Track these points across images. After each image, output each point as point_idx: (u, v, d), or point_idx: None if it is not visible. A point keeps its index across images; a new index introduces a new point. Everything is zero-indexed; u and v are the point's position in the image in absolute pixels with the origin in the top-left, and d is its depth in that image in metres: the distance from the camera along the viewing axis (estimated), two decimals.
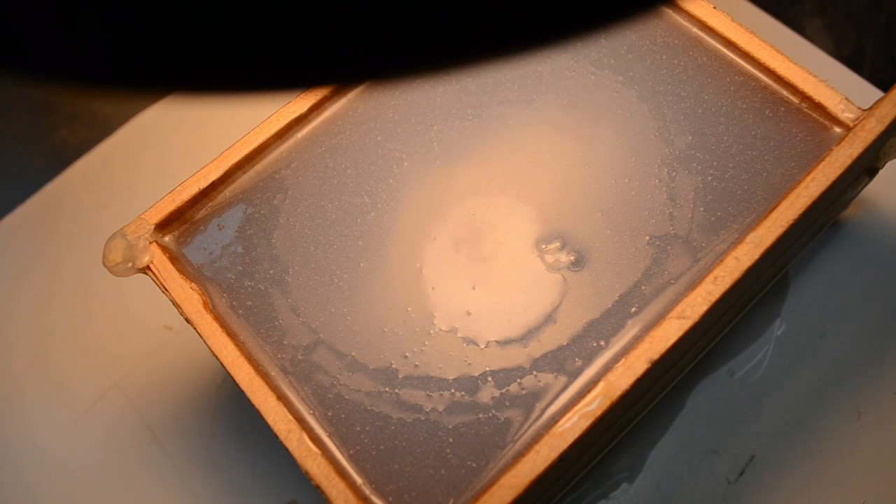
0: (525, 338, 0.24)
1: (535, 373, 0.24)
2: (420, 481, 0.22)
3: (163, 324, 0.35)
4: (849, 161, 0.25)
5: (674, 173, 0.26)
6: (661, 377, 0.26)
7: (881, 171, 0.30)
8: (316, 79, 0.09)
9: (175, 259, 0.26)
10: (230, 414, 0.33)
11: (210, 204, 0.27)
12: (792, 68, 0.27)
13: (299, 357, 0.24)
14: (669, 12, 0.29)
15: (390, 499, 0.22)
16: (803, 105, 0.27)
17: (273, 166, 0.28)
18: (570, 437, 0.22)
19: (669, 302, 0.24)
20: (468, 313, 0.25)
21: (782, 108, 0.27)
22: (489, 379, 0.24)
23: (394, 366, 0.24)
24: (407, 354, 0.24)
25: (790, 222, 0.24)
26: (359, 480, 0.22)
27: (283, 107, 0.29)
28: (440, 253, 0.26)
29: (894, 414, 0.30)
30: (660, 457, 0.30)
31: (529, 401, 0.23)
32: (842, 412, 0.30)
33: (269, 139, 0.28)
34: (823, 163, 0.25)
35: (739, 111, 0.27)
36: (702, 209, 0.26)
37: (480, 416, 0.23)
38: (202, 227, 0.27)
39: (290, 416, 0.23)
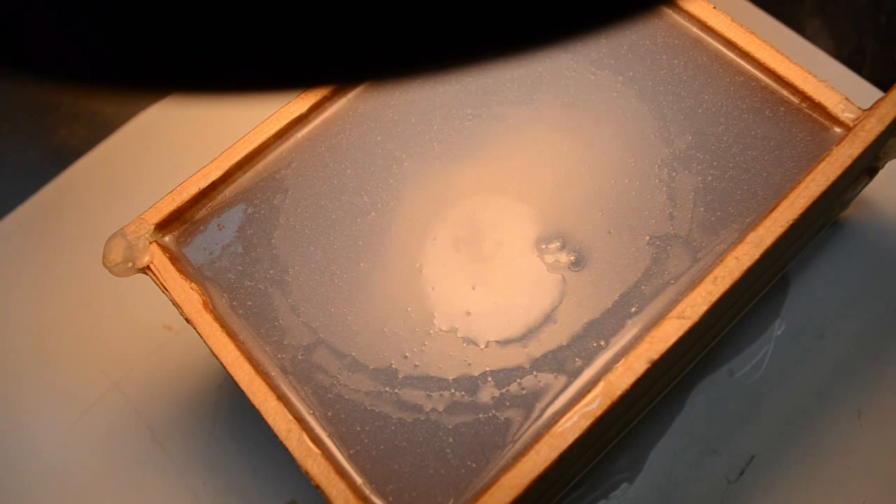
0: (525, 338, 0.24)
1: (535, 373, 0.24)
2: (420, 481, 0.22)
3: (163, 324, 0.35)
4: (849, 161, 0.25)
5: (674, 173, 0.26)
6: (661, 377, 0.26)
7: (881, 171, 0.30)
8: (316, 79, 0.09)
9: (175, 259, 0.26)
10: (230, 414, 0.33)
11: (210, 204, 0.27)
12: (792, 68, 0.27)
13: (299, 357, 0.24)
14: (669, 12, 0.29)
15: (390, 499, 0.22)
16: (803, 105, 0.27)
17: (273, 166, 0.28)
18: (570, 437, 0.22)
19: (669, 302, 0.24)
20: (468, 313, 0.25)
21: (782, 108, 0.27)
22: (489, 379, 0.24)
23: (394, 366, 0.24)
24: (407, 354, 0.24)
25: (790, 222, 0.24)
26: (359, 480, 0.22)
27: (283, 107, 0.29)
28: (440, 253, 0.26)
29: (894, 414, 0.30)
30: (660, 457, 0.30)
31: (529, 401, 0.23)
32: (842, 412, 0.30)
33: (269, 139, 0.28)
34: (823, 163, 0.25)
35: (739, 111, 0.27)
36: (702, 209, 0.26)
37: (480, 416, 0.23)
38: (202, 227, 0.27)
39: (290, 416, 0.23)
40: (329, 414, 0.23)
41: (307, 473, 0.22)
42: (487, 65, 0.09)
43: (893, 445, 0.29)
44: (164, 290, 0.25)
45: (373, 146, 0.28)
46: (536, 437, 0.22)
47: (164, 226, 0.27)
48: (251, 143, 0.28)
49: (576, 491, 0.29)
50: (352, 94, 0.29)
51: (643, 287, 0.25)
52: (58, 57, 0.08)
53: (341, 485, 0.22)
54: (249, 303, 0.26)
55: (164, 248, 0.26)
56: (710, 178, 0.26)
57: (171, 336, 0.34)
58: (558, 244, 0.26)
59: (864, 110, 0.26)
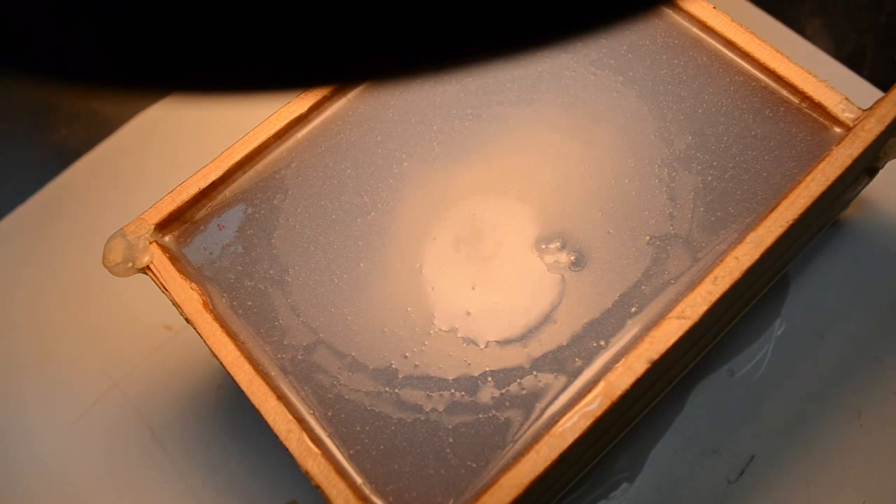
0: (525, 338, 0.24)
1: (535, 373, 0.24)
2: (420, 481, 0.22)
3: (163, 324, 0.35)
4: (849, 161, 0.25)
5: (674, 173, 0.26)
6: (661, 377, 0.26)
7: (881, 171, 0.30)
8: (316, 79, 0.09)
9: (175, 259, 0.26)
10: (230, 414, 0.33)
11: (210, 204, 0.27)
12: (792, 68, 0.27)
13: (299, 357, 0.24)
14: (669, 12, 0.29)
15: (390, 499, 0.22)
16: (803, 105, 0.27)
17: (273, 166, 0.28)
18: (570, 437, 0.22)
19: (669, 302, 0.24)
20: (468, 313, 0.25)
21: (782, 108, 0.27)
22: (489, 379, 0.24)
23: (394, 366, 0.24)
24: (407, 354, 0.24)
25: (790, 222, 0.24)
26: (359, 480, 0.22)
27: (283, 107, 0.29)
28: (440, 253, 0.26)
29: (894, 414, 0.30)
30: (660, 457, 0.30)
31: (529, 401, 0.23)
32: (842, 412, 0.30)
33: (269, 139, 0.28)
34: (823, 163, 0.25)
35: (739, 111, 0.27)
36: (702, 209, 0.26)
37: (480, 416, 0.23)
38: (202, 227, 0.27)
39: (290, 416, 0.23)
40: (329, 414, 0.23)
41: (307, 473, 0.22)
42: (487, 65, 0.09)
43: (893, 445, 0.29)
44: (164, 290, 0.25)
45: (373, 146, 0.28)
46: (536, 437, 0.22)
47: (164, 226, 0.27)
48: (251, 143, 0.28)
49: (576, 491, 0.29)
50: (352, 94, 0.29)
51: (643, 287, 0.25)
52: (58, 57, 0.08)
53: (341, 485, 0.22)
54: (249, 303, 0.26)
55: (164, 248, 0.26)
56: (710, 178, 0.26)
57: (171, 336, 0.34)
58: (558, 244, 0.26)
59: (864, 110, 0.26)
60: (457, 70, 0.09)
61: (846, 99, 0.26)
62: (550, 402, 0.23)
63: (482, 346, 0.24)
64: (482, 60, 0.08)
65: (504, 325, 0.25)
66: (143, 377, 0.34)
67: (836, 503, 0.29)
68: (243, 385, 0.23)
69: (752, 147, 0.26)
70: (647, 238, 0.25)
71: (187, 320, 0.25)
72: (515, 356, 0.24)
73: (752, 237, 0.24)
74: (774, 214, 0.24)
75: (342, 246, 0.26)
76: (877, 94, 0.36)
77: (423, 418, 0.23)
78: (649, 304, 0.24)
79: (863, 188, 0.31)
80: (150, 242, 0.26)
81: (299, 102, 0.29)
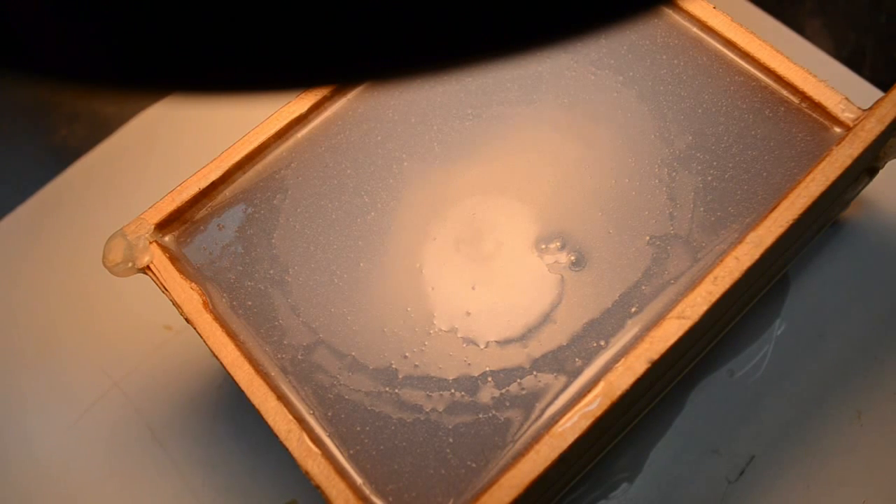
0: (525, 338, 0.24)
1: (535, 373, 0.24)
2: (420, 481, 0.22)
3: (163, 324, 0.35)
4: (849, 161, 0.25)
5: (674, 173, 0.26)
6: (661, 377, 0.26)
7: (881, 171, 0.30)
8: (316, 79, 0.09)
9: (175, 259, 0.26)
10: (230, 414, 0.33)
11: (210, 204, 0.27)
12: (792, 68, 0.27)
13: (299, 357, 0.24)
14: (669, 12, 0.29)
15: (390, 499, 0.22)
16: (803, 105, 0.27)
17: (273, 166, 0.28)
18: (570, 437, 0.22)
19: (669, 302, 0.24)
20: (468, 313, 0.25)
21: (782, 108, 0.27)
22: (489, 379, 0.24)
23: (394, 366, 0.24)
24: (407, 354, 0.24)
25: (790, 222, 0.24)
26: (359, 480, 0.22)
27: (283, 107, 0.29)
28: (440, 253, 0.26)
29: (894, 414, 0.30)
30: (660, 457, 0.30)
31: (529, 401, 0.23)
32: (842, 412, 0.30)
33: (269, 139, 0.28)
34: (823, 163, 0.25)
35: (739, 111, 0.27)
36: (702, 209, 0.26)
37: (480, 416, 0.23)
38: (202, 227, 0.27)
39: (290, 416, 0.23)
40: (329, 414, 0.23)
41: (307, 473, 0.22)
42: (487, 65, 0.09)
43: (893, 445, 0.29)
44: (164, 290, 0.25)
45: (373, 146, 0.28)
46: (536, 437, 0.22)
47: (164, 226, 0.27)
48: (251, 143, 0.28)
49: (576, 491, 0.29)
50: (352, 94, 0.29)
51: (643, 287, 0.25)
52: (58, 57, 0.08)
53: (341, 485, 0.22)
54: (249, 303, 0.26)
55: (164, 248, 0.26)
56: (710, 178, 0.26)
57: (171, 336, 0.34)
58: (558, 244, 0.26)
59: (864, 110, 0.26)
60: (457, 70, 0.09)
61: (846, 99, 0.26)
62: (550, 402, 0.23)
63: (482, 346, 0.24)
64: (482, 60, 0.08)
65: (504, 325, 0.25)
66: (143, 377, 0.34)
67: (835, 503, 0.29)
68: (243, 385, 0.23)
69: (752, 147, 0.26)
70: (647, 238, 0.25)
71: (187, 320, 0.25)
72: (515, 356, 0.24)
73: (752, 237, 0.24)
74: (774, 214, 0.24)
75: (342, 246, 0.26)
76: (877, 94, 0.36)
77: (423, 418, 0.23)
78: (649, 304, 0.24)
79: (863, 188, 0.31)
80: (150, 242, 0.26)
81: (299, 102, 0.29)
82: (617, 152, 0.27)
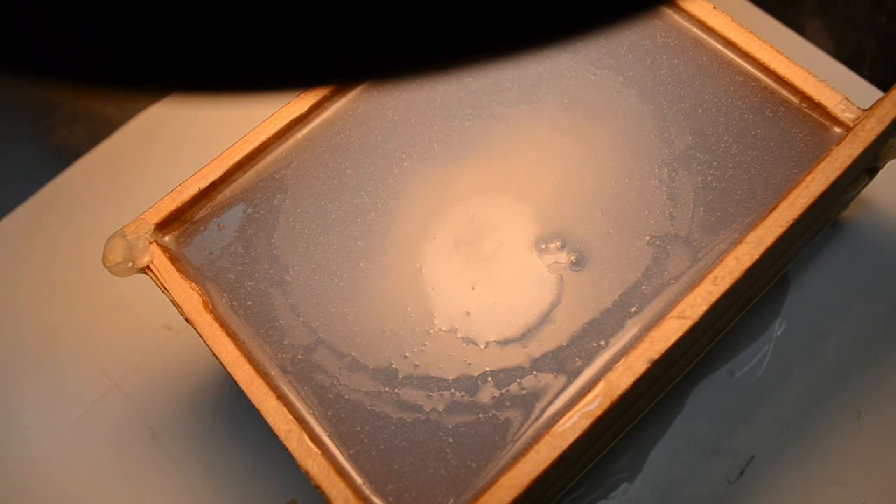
0: (525, 338, 0.24)
1: (535, 373, 0.24)
2: (420, 481, 0.22)
3: (163, 324, 0.35)
4: (849, 161, 0.25)
5: (674, 173, 0.26)
6: (661, 377, 0.26)
7: (881, 171, 0.30)
8: (316, 79, 0.09)
9: (175, 259, 0.26)
10: (230, 414, 0.33)
11: (210, 204, 0.27)
12: (792, 68, 0.27)
13: (299, 357, 0.24)
14: (669, 12, 0.29)
15: (390, 499, 0.22)
16: (803, 105, 0.27)
17: (273, 166, 0.28)
18: (570, 437, 0.22)
19: (669, 302, 0.24)
20: (468, 313, 0.25)
21: (782, 108, 0.27)
22: (489, 379, 0.24)
23: (394, 366, 0.24)
24: (407, 354, 0.24)
25: (790, 222, 0.24)
26: (359, 480, 0.22)
27: (283, 107, 0.29)
28: (440, 253, 0.26)
29: (894, 414, 0.30)
30: (660, 457, 0.30)
31: (529, 401, 0.23)
32: (842, 412, 0.30)
33: (269, 139, 0.28)
34: (823, 163, 0.25)
35: (739, 111, 0.27)
36: (702, 209, 0.26)
37: (480, 416, 0.23)
38: (202, 227, 0.27)
39: (290, 416, 0.23)
40: (329, 414, 0.23)
41: (307, 473, 0.22)
42: (487, 65, 0.09)
43: (893, 445, 0.29)
44: (164, 290, 0.25)
45: (373, 146, 0.28)
46: (536, 437, 0.22)
47: (164, 226, 0.27)
48: (251, 143, 0.28)
49: (576, 491, 0.29)
50: (352, 94, 0.29)
51: (643, 287, 0.25)
52: (58, 57, 0.08)
53: (341, 485, 0.22)
54: (249, 303, 0.26)
55: (164, 248, 0.26)
56: (710, 178, 0.26)
57: (171, 336, 0.34)
58: (558, 244, 0.26)
59: (864, 110, 0.26)
60: (457, 70, 0.09)
61: (846, 99, 0.26)
62: (550, 402, 0.23)
63: (482, 346, 0.24)
64: (482, 60, 0.08)
65: (504, 325, 0.25)
66: (143, 377, 0.34)
67: (835, 503, 0.29)
68: (243, 385, 0.23)
69: (752, 147, 0.26)
70: (647, 238, 0.25)
71: (187, 320, 0.25)
72: (515, 356, 0.24)
73: (752, 237, 0.24)
74: (774, 214, 0.24)
75: (342, 246, 0.26)
76: (877, 94, 0.36)
77: (423, 418, 0.23)
78: (649, 304, 0.24)
79: (863, 188, 0.31)
80: (150, 242, 0.26)
81: (299, 102, 0.29)
82: (617, 152, 0.27)
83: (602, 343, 0.24)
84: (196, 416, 0.33)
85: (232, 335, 0.25)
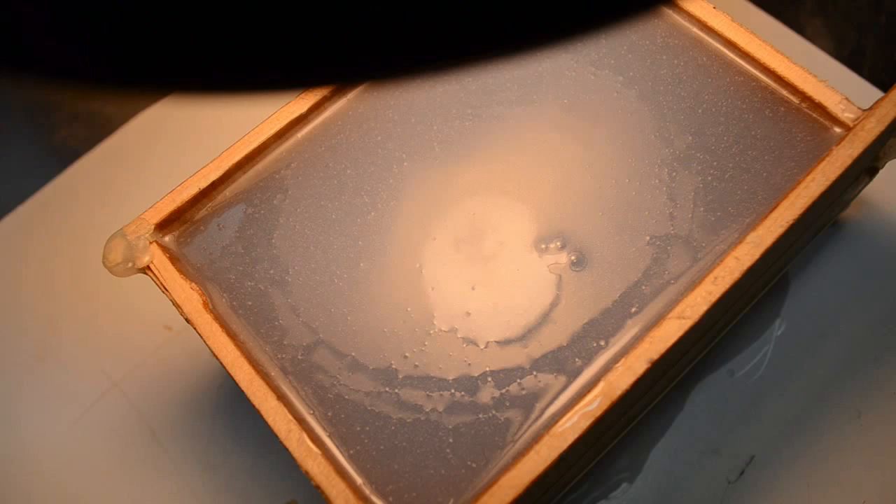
0: (525, 338, 0.24)
1: (535, 373, 0.24)
2: (420, 481, 0.22)
3: (163, 324, 0.35)
4: (849, 161, 0.25)
5: (674, 173, 0.26)
6: (661, 377, 0.26)
7: (881, 171, 0.30)
8: (316, 79, 0.09)
9: (175, 259, 0.26)
10: (230, 414, 0.33)
11: (210, 204, 0.27)
12: (792, 68, 0.27)
13: (299, 357, 0.24)
14: (669, 12, 0.29)
15: (390, 499, 0.22)
16: (803, 105, 0.27)
17: (273, 166, 0.28)
18: (570, 437, 0.22)
19: (669, 302, 0.24)
20: (468, 313, 0.25)
21: (782, 108, 0.27)
22: (489, 379, 0.24)
23: (394, 366, 0.24)
24: (407, 354, 0.24)
25: (790, 222, 0.24)
26: (359, 480, 0.22)
27: (283, 107, 0.29)
28: (440, 253, 0.26)
29: (894, 414, 0.30)
30: (660, 457, 0.30)
31: (529, 401, 0.23)
32: (842, 412, 0.30)
33: (269, 139, 0.28)
34: (823, 163, 0.25)
35: (739, 111, 0.27)
36: (702, 209, 0.26)
37: (480, 416, 0.23)
38: (202, 228, 0.27)
39: (290, 416, 0.23)
40: (329, 414, 0.23)
41: (307, 473, 0.22)
42: (487, 65, 0.09)
43: (893, 445, 0.29)
44: (164, 290, 0.25)
45: (373, 146, 0.28)
46: (536, 438, 0.22)
47: (164, 226, 0.27)
48: (251, 143, 0.28)
49: (576, 491, 0.29)
50: (352, 94, 0.29)
51: (643, 287, 0.25)
52: (58, 57, 0.08)
53: (341, 485, 0.22)
54: (249, 303, 0.26)
55: (164, 248, 0.26)
56: (710, 178, 0.26)
57: (171, 336, 0.34)
58: (558, 244, 0.26)
59: (864, 110, 0.26)
60: (457, 70, 0.09)
61: (846, 99, 0.26)
62: (550, 402, 0.23)
63: (482, 347, 0.24)
64: (482, 60, 0.08)
65: (504, 325, 0.25)
66: (143, 377, 0.34)
67: (835, 503, 0.29)
68: (243, 385, 0.23)
69: (752, 147, 0.26)
70: (647, 238, 0.25)
71: (187, 320, 0.25)
72: (515, 356, 0.24)
73: (752, 237, 0.24)
74: (774, 214, 0.24)
75: (342, 246, 0.26)
76: (877, 94, 0.36)
77: (423, 418, 0.23)
78: (649, 304, 0.24)
79: (863, 188, 0.31)
80: (150, 242, 0.26)
81: (299, 102, 0.29)
82: (617, 152, 0.27)
83: (602, 343, 0.24)
84: (196, 416, 0.33)
85: (232, 335, 0.25)
